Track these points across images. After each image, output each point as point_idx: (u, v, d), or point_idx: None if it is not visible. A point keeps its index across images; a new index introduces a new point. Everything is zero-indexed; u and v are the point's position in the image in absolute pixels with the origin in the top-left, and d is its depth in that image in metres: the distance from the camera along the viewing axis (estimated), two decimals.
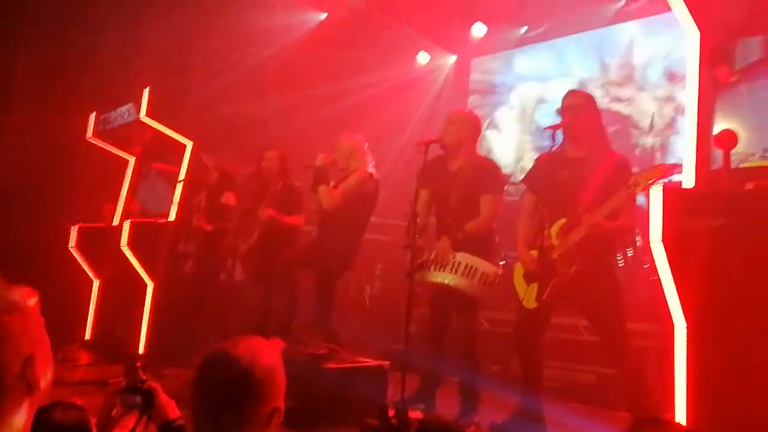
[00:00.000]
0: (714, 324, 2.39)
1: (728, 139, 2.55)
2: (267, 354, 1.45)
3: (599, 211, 3.07)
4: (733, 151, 2.57)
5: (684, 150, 2.71)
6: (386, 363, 3.57)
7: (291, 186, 4.69)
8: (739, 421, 2.30)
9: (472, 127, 3.77)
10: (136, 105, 5.63)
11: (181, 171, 5.52)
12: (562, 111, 3.34)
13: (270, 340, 1.52)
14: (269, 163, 4.69)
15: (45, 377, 1.00)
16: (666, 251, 2.39)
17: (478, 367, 3.60)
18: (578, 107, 3.31)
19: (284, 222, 4.56)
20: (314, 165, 4.11)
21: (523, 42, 7.59)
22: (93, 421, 1.61)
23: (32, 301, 1.30)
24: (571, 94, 3.44)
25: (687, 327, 2.47)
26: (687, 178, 2.59)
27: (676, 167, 4.87)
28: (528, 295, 3.32)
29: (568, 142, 3.34)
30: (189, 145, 5.56)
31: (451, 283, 3.50)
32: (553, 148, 3.24)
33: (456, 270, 3.47)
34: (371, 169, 4.09)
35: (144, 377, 1.84)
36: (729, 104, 2.69)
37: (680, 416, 2.48)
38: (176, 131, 5.59)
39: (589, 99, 3.42)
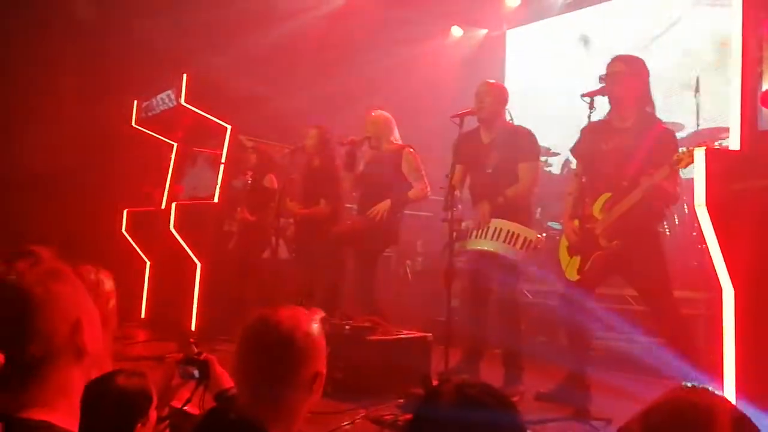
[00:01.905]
0: (763, 288, 2.34)
1: None
2: (307, 320, 1.50)
3: (640, 189, 3.04)
4: None
5: (730, 110, 2.63)
6: (429, 335, 3.62)
7: (326, 166, 4.69)
8: None
9: (503, 97, 3.76)
10: (175, 91, 5.76)
11: (223, 153, 5.65)
12: (605, 77, 3.23)
13: (310, 308, 1.57)
14: (308, 141, 4.73)
15: (93, 342, 1.04)
16: (710, 215, 2.34)
17: (521, 336, 3.62)
18: (623, 74, 3.19)
19: (311, 215, 4.63)
20: (348, 142, 4.17)
21: (560, 11, 7.41)
22: (153, 390, 1.70)
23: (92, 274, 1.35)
24: (617, 59, 3.28)
25: (735, 292, 2.42)
26: (733, 140, 2.51)
27: (721, 133, 4.72)
28: (570, 267, 3.32)
29: (614, 111, 3.27)
30: (228, 128, 5.67)
31: (493, 249, 3.51)
32: (591, 116, 3.18)
33: (497, 237, 3.48)
34: (399, 140, 4.18)
35: (199, 350, 1.94)
36: None
37: (729, 383, 2.45)
38: (215, 115, 5.71)
39: (637, 65, 3.26)
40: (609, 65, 3.27)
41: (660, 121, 3.30)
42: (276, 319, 1.46)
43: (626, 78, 3.19)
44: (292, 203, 4.80)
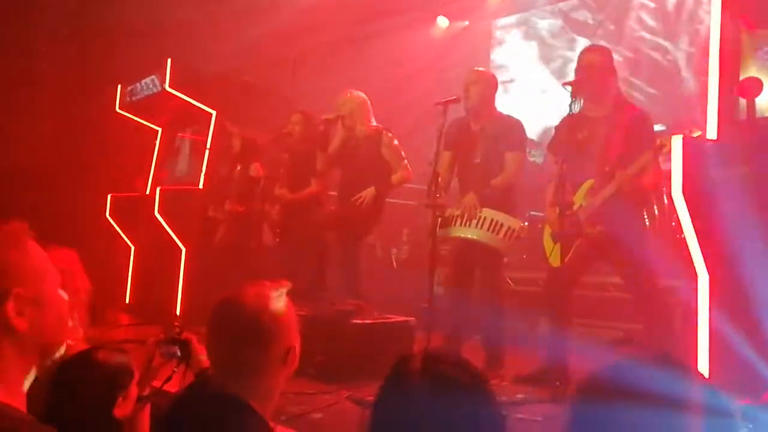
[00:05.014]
0: (736, 274, 2.39)
1: (753, 87, 2.51)
2: (274, 297, 1.48)
3: (628, 170, 3.08)
4: (759, 99, 2.52)
5: (708, 100, 2.67)
6: (412, 319, 3.66)
7: (312, 149, 4.70)
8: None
9: (492, 86, 3.78)
10: (160, 76, 5.72)
11: (207, 139, 5.63)
12: (578, 69, 3.31)
13: (277, 282, 1.55)
14: (292, 128, 4.72)
15: (25, 319, 0.94)
16: (687, 202, 2.39)
17: (502, 322, 3.66)
18: (594, 64, 3.26)
19: (302, 198, 4.64)
20: (321, 121, 4.17)
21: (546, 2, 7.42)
22: (135, 366, 1.70)
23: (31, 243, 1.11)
24: (587, 50, 3.41)
25: (709, 278, 2.48)
26: (710, 129, 2.56)
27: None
28: (554, 253, 3.36)
29: (587, 102, 3.32)
30: (213, 113, 5.65)
31: (476, 238, 3.54)
32: (573, 108, 3.22)
33: (481, 225, 3.52)
34: (375, 123, 4.15)
35: (180, 329, 1.94)
36: (756, 53, 2.63)
37: (703, 366, 2.51)
38: (199, 100, 5.67)
39: (606, 54, 3.36)
40: (579, 57, 3.36)
41: (632, 104, 3.37)
42: (242, 300, 1.45)
43: (596, 68, 3.26)
44: (281, 190, 4.79)
